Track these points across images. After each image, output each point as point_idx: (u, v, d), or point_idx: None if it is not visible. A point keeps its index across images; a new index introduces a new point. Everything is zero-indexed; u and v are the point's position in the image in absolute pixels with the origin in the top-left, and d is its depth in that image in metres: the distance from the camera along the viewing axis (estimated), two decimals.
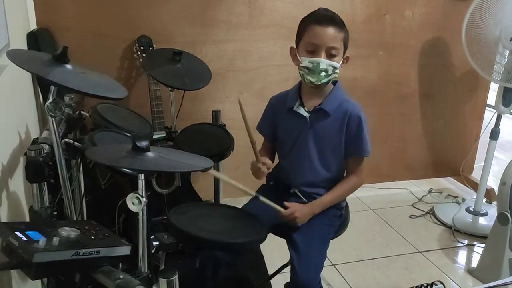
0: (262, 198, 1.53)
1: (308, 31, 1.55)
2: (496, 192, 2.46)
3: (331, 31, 1.53)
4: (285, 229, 1.64)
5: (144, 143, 1.15)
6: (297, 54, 1.60)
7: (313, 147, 1.67)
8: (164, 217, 1.46)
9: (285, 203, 1.58)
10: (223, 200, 2.30)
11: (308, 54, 1.55)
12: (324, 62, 1.54)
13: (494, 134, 2.68)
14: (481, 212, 2.82)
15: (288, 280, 1.57)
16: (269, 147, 1.81)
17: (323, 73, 1.55)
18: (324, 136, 1.66)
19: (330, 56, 1.55)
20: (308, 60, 1.55)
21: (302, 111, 1.66)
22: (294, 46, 1.63)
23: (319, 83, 1.57)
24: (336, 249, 2.41)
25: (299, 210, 1.58)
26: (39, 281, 1.61)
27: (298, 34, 1.61)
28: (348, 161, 1.71)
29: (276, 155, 1.83)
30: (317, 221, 1.65)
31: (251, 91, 2.71)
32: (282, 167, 1.78)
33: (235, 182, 1.49)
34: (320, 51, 1.54)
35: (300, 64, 1.57)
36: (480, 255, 2.40)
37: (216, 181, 2.24)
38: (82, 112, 1.89)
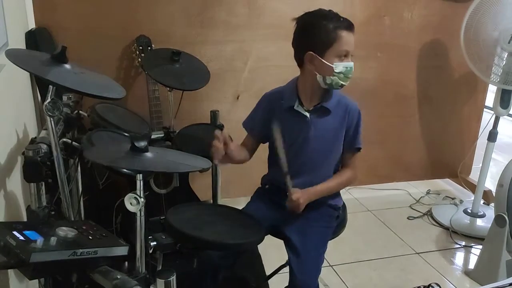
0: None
1: (340, 38, 1.55)
2: (494, 194, 2.47)
3: (353, 37, 1.58)
4: (283, 230, 1.64)
5: (142, 144, 1.15)
6: (323, 60, 1.56)
7: (313, 147, 1.67)
8: (162, 217, 1.46)
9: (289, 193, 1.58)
10: (221, 201, 2.30)
11: (340, 59, 1.57)
12: (353, 65, 1.59)
13: (492, 136, 2.68)
14: (478, 214, 2.82)
15: (287, 281, 1.57)
16: (252, 144, 1.77)
17: (351, 75, 1.59)
18: (324, 134, 1.66)
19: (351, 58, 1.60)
20: (342, 65, 1.56)
21: (302, 110, 1.65)
22: (310, 52, 1.57)
23: (346, 84, 1.61)
24: (334, 250, 2.41)
25: (302, 197, 1.58)
26: (36, 281, 1.61)
27: (325, 40, 1.55)
28: (344, 156, 1.72)
29: (262, 156, 1.81)
30: (314, 223, 1.65)
31: (250, 91, 2.71)
32: (278, 169, 1.77)
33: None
34: (349, 55, 1.58)
35: (335, 71, 1.56)
36: (477, 257, 2.40)
37: (214, 181, 2.23)
38: (80, 111, 1.89)
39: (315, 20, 1.58)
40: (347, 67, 1.56)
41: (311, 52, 1.57)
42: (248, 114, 1.80)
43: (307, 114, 1.65)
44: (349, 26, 1.56)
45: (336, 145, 1.69)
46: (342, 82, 1.58)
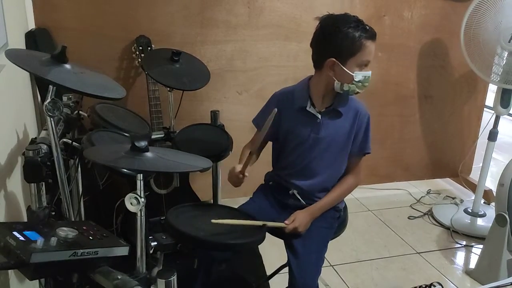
0: (268, 224, 1.52)
1: (365, 48, 1.55)
2: (494, 193, 2.46)
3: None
4: (284, 230, 1.64)
5: (143, 143, 1.14)
6: (344, 68, 1.56)
7: (322, 149, 1.66)
8: (162, 218, 1.46)
9: (286, 222, 1.58)
10: (222, 201, 2.30)
11: (361, 68, 1.57)
12: (370, 74, 1.59)
13: (493, 135, 2.68)
14: (479, 213, 2.82)
15: (287, 281, 1.56)
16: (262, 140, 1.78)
17: (367, 83, 1.60)
18: (334, 136, 1.66)
19: None
20: (362, 74, 1.57)
21: (314, 112, 1.65)
22: (333, 59, 1.56)
23: (362, 91, 1.62)
24: (335, 250, 2.42)
25: (300, 221, 1.58)
26: (37, 281, 1.61)
27: (349, 48, 1.54)
28: (350, 160, 1.72)
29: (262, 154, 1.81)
30: (316, 224, 1.64)
31: (250, 91, 2.71)
32: (284, 167, 1.76)
33: (241, 221, 1.48)
34: (368, 65, 1.59)
35: (355, 79, 1.56)
36: (478, 256, 2.40)
37: (215, 181, 2.23)
38: (80, 112, 1.88)
39: (341, 27, 1.55)
40: (365, 76, 1.58)
41: (333, 59, 1.56)
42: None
43: (319, 116, 1.65)
44: (373, 36, 1.56)
45: (345, 148, 1.69)
46: (358, 90, 1.60)
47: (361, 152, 1.72)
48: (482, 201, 2.91)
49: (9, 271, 1.41)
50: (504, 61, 2.49)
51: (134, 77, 2.51)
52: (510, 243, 2.17)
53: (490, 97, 2.88)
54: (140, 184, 1.14)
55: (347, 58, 1.55)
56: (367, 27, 1.56)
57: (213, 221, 1.37)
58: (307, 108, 1.65)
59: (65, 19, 2.32)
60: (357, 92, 1.61)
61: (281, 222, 1.57)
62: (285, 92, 1.74)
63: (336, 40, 1.55)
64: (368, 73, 1.58)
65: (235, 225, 1.44)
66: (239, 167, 1.56)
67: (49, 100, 1.26)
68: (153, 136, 2.15)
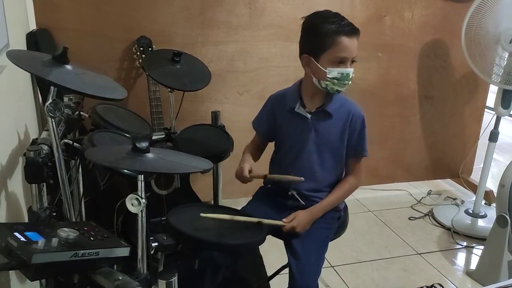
0: (264, 221, 1.52)
1: (337, 44, 1.50)
2: (495, 194, 2.46)
3: (356, 42, 1.53)
4: (284, 231, 1.64)
5: (144, 144, 1.14)
6: (318, 64, 1.54)
7: (313, 149, 1.66)
8: (163, 218, 1.46)
9: (284, 220, 1.58)
10: (222, 201, 2.30)
11: (335, 65, 1.53)
12: (351, 71, 1.54)
13: (493, 136, 2.68)
14: (480, 214, 2.82)
15: (287, 283, 1.56)
16: (260, 144, 1.80)
17: (348, 81, 1.55)
18: (325, 137, 1.66)
19: (352, 63, 1.56)
20: (337, 71, 1.52)
21: (304, 112, 1.65)
22: (306, 55, 1.56)
23: (343, 90, 1.57)
24: (335, 250, 2.42)
25: (299, 221, 1.58)
26: (37, 282, 1.61)
27: (320, 44, 1.52)
28: (348, 162, 1.71)
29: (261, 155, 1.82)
30: (316, 224, 1.64)
31: (251, 92, 2.71)
32: (280, 169, 1.77)
33: (237, 217, 1.49)
34: (347, 62, 1.53)
35: (328, 76, 1.53)
36: (479, 257, 2.40)
37: (215, 182, 2.23)
38: (81, 112, 1.89)
39: (316, 22, 1.54)
40: (342, 73, 1.53)
41: (307, 55, 1.56)
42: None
43: (308, 116, 1.64)
44: (350, 31, 1.51)
45: (339, 149, 1.68)
46: (337, 88, 1.55)
47: (357, 155, 1.70)
48: (483, 202, 2.91)
49: (10, 271, 1.41)
50: (505, 62, 2.49)
51: (135, 77, 2.51)
52: (511, 244, 2.16)
53: (491, 98, 2.88)
54: (141, 184, 1.14)
55: (320, 53, 1.53)
56: (343, 23, 1.52)
57: (202, 214, 1.37)
58: (295, 109, 1.65)
59: (66, 19, 2.32)
60: (338, 90, 1.56)
61: (279, 220, 1.57)
62: (279, 94, 1.75)
63: (309, 35, 1.56)
64: (346, 70, 1.53)
65: (234, 221, 1.45)
66: (246, 169, 1.61)
67: (50, 101, 1.26)
68: (154, 137, 2.14)
